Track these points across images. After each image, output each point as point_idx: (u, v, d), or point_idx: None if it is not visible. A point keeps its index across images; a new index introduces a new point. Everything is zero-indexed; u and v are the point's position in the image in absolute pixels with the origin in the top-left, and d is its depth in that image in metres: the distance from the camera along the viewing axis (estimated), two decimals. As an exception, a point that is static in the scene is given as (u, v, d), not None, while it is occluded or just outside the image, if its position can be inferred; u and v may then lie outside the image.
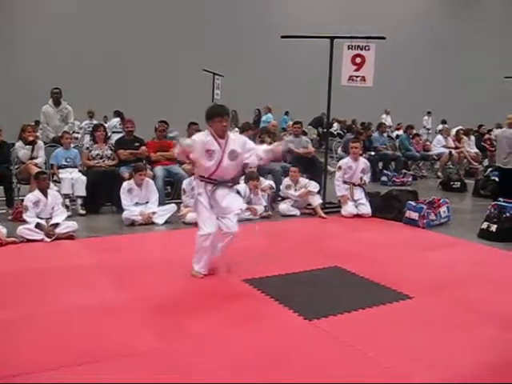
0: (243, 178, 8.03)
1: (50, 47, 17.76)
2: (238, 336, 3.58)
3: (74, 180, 7.65)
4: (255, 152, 4.93)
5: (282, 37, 8.44)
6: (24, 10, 17.93)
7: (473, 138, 14.95)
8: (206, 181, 4.85)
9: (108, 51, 18.25)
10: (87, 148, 8.35)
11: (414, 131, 14.39)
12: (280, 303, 4.18)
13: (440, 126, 18.19)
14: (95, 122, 15.13)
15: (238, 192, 5.33)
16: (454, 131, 14.80)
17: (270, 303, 4.21)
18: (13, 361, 3.15)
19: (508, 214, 6.80)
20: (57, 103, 9.51)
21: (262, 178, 8.32)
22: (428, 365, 3.21)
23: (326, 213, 7.89)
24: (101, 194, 7.89)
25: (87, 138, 12.93)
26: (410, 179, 11.98)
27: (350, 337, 3.58)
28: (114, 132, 13.18)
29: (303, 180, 8.14)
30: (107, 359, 3.21)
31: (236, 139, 4.95)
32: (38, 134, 9.21)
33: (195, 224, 6.98)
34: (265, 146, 5.15)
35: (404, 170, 12.38)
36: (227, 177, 4.92)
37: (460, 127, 14.97)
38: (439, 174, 13.17)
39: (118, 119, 14.68)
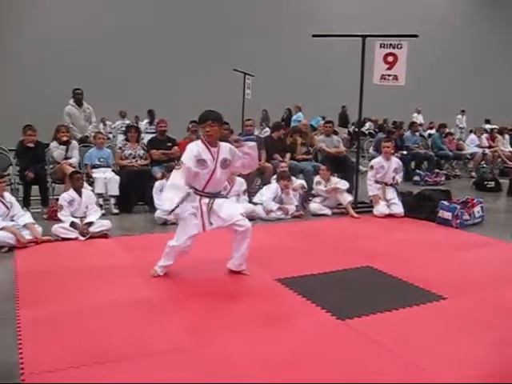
0: (275, 177, 8.06)
1: (76, 46, 18.01)
2: (270, 335, 3.59)
3: (107, 179, 7.77)
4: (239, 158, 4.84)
5: (314, 36, 8.42)
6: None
7: (507, 136, 14.71)
8: (200, 194, 4.70)
9: (139, 51, 18.48)
10: (120, 148, 8.45)
11: (447, 130, 14.22)
12: (312, 302, 4.17)
13: (486, 126, 17.90)
14: (127, 121, 15.37)
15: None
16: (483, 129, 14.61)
17: (303, 302, 4.21)
18: (39, 358, 3.20)
19: (544, 214, 6.69)
20: (79, 103, 9.61)
21: (293, 178, 8.33)
22: (461, 366, 3.17)
23: (357, 212, 7.85)
24: (133, 194, 7.99)
25: (120, 137, 13.09)
26: (442, 179, 11.84)
27: (382, 337, 3.56)
28: (146, 132, 13.33)
29: (334, 179, 8.12)
30: (137, 356, 3.24)
31: (226, 148, 4.79)
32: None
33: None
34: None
35: (437, 170, 12.22)
36: (219, 187, 4.85)
37: (494, 126, 14.76)
38: (473, 173, 12.98)
39: (147, 120, 14.87)
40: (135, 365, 3.14)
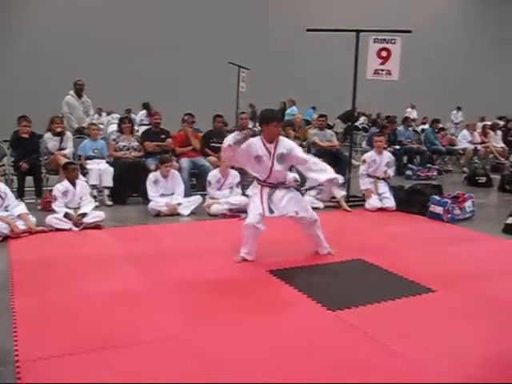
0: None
1: (75, 39, 17.99)
2: (263, 325, 3.64)
3: (101, 171, 7.80)
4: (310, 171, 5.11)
5: (308, 30, 8.44)
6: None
7: (499, 132, 14.80)
8: (262, 184, 5.03)
9: (134, 43, 18.47)
10: (114, 139, 8.47)
11: (440, 125, 14.29)
12: (304, 294, 4.22)
13: (480, 124, 17.97)
14: (116, 115, 15.38)
15: (298, 190, 5.40)
16: (480, 126, 14.68)
17: (295, 294, 4.26)
18: (34, 345, 3.24)
19: (534, 210, 6.77)
20: (79, 95, 9.61)
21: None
22: (450, 357, 3.23)
23: (350, 206, 7.91)
24: (127, 185, 8.03)
25: (111, 128, 13.14)
26: (434, 173, 11.91)
27: (372, 328, 3.61)
28: (140, 125, 13.32)
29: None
30: (131, 344, 3.28)
31: (284, 142, 5.07)
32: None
33: (220, 215, 7.16)
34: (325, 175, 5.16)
35: (429, 165, 12.29)
36: (280, 178, 5.08)
37: (487, 122, 14.84)
38: (465, 168, 13.07)
39: (144, 112, 14.83)
40: (129, 352, 3.19)
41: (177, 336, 3.43)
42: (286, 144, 5.07)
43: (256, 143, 4.94)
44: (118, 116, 15.09)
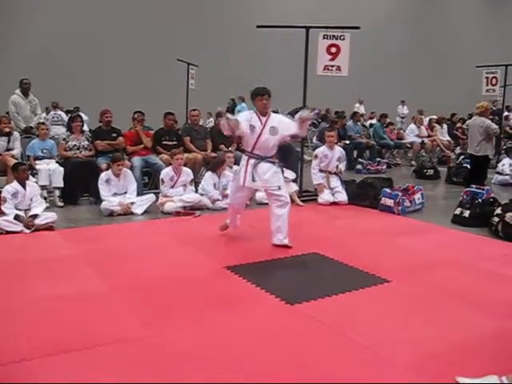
0: (211, 165, 8.09)
1: (19, 39, 17.55)
2: (222, 321, 3.65)
3: (51, 171, 7.63)
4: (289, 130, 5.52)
5: (258, 26, 8.46)
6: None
7: (445, 126, 15.18)
8: (249, 155, 5.46)
9: (84, 40, 18.14)
10: (64, 139, 8.31)
11: (388, 120, 14.56)
12: (262, 289, 4.26)
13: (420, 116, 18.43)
14: (60, 112, 15.11)
15: (282, 170, 5.84)
16: (427, 120, 15.03)
17: (253, 289, 4.29)
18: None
19: (480, 200, 6.99)
20: (26, 94, 9.41)
21: (237, 167, 8.42)
22: (407, 344, 3.32)
23: (302, 201, 7.98)
24: (79, 185, 7.89)
25: (55, 129, 12.92)
26: (384, 167, 12.16)
27: (332, 320, 3.68)
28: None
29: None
30: (89, 348, 3.22)
31: (276, 118, 5.57)
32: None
33: (174, 213, 7.13)
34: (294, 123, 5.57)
35: (378, 159, 12.53)
36: (267, 152, 5.45)
37: (434, 116, 15.19)
38: (413, 162, 13.36)
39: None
40: (89, 355, 3.14)
41: (137, 336, 3.40)
42: (277, 118, 5.57)
43: (252, 114, 5.44)
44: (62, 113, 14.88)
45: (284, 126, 5.49)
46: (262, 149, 5.41)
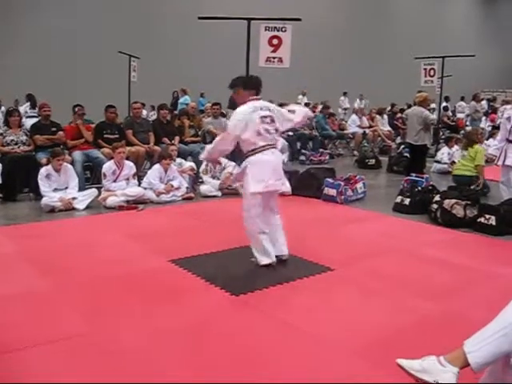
0: (158, 157, 8.04)
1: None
2: (168, 314, 3.63)
3: (-13, 167, 7.41)
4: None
5: (199, 18, 8.43)
6: None
7: (386, 116, 15.50)
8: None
9: (14, 32, 17.58)
10: (1, 134, 8.06)
11: (330, 111, 14.74)
12: (207, 281, 4.26)
13: (356, 105, 18.73)
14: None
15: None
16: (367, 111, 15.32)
17: (198, 281, 4.29)
18: None
19: (420, 188, 7.19)
20: None
21: (182, 160, 8.40)
22: (352, 331, 3.39)
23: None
24: (17, 181, 7.67)
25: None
26: (327, 157, 12.32)
27: (277, 309, 3.72)
28: (27, 117, 12.77)
29: (223, 160, 8.19)
30: (31, 346, 3.16)
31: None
32: None
33: (118, 208, 7.04)
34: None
35: (321, 149, 12.68)
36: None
37: (373, 107, 15.49)
38: (355, 152, 13.59)
39: (28, 104, 14.25)
40: (32, 353, 3.08)
41: (81, 333, 3.34)
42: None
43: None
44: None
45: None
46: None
